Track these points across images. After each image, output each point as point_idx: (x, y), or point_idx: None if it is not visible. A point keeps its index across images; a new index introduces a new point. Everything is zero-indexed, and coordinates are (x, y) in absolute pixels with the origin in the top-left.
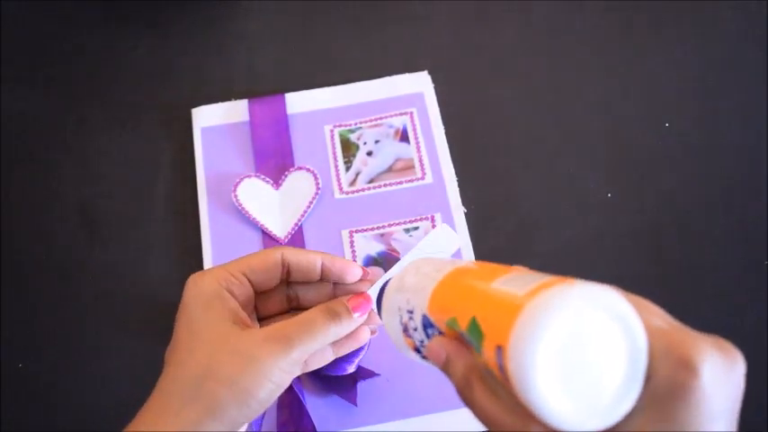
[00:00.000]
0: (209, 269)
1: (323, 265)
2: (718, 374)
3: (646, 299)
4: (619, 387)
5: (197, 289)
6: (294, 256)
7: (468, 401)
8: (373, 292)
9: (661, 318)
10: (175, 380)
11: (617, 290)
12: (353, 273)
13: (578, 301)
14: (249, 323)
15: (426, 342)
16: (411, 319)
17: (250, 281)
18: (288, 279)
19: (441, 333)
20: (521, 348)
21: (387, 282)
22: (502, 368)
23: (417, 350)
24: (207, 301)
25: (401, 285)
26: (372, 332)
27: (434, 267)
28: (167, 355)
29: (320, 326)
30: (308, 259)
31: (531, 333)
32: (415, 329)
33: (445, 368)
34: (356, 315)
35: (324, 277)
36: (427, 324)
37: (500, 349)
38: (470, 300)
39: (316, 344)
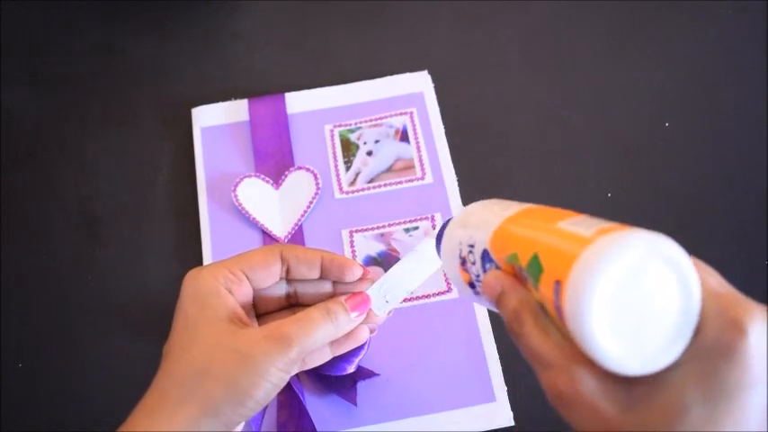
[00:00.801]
0: (207, 265)
1: (323, 262)
2: (766, 339)
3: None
4: (668, 336)
5: (194, 286)
6: (294, 253)
7: (517, 335)
8: (372, 292)
9: (717, 280)
10: (171, 377)
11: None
12: (353, 271)
13: (642, 246)
14: (247, 321)
15: (482, 276)
16: (471, 252)
17: (249, 278)
18: (287, 276)
19: (498, 268)
20: (580, 283)
21: (448, 221)
22: (558, 303)
23: (472, 285)
24: (204, 299)
25: (466, 222)
26: (371, 331)
27: (501, 207)
28: (165, 351)
29: (318, 325)
30: (308, 256)
31: (592, 270)
32: (473, 263)
33: (498, 301)
34: (354, 315)
35: (324, 275)
36: (486, 258)
37: (558, 284)
38: (534, 237)
39: (313, 343)
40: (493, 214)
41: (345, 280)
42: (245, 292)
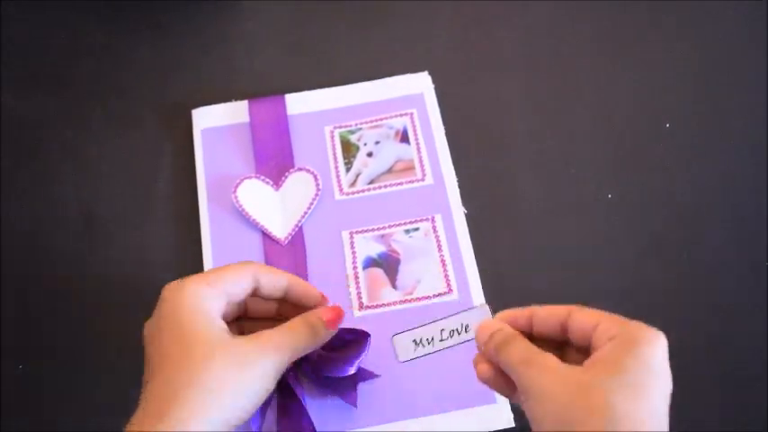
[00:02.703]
0: (186, 279)
1: (289, 285)
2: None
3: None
4: None
5: (177, 301)
6: (265, 274)
7: None
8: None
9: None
10: (167, 383)
11: None
12: (313, 296)
13: None
14: (231, 332)
15: None
16: None
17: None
18: (254, 293)
19: None
20: None
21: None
22: None
23: None
24: (191, 311)
25: None
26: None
27: None
28: (155, 364)
29: (302, 338)
30: (277, 279)
31: None
32: None
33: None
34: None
35: (288, 298)
36: None
37: None
38: None
39: (297, 353)
40: None
41: (306, 304)
42: (221, 305)
